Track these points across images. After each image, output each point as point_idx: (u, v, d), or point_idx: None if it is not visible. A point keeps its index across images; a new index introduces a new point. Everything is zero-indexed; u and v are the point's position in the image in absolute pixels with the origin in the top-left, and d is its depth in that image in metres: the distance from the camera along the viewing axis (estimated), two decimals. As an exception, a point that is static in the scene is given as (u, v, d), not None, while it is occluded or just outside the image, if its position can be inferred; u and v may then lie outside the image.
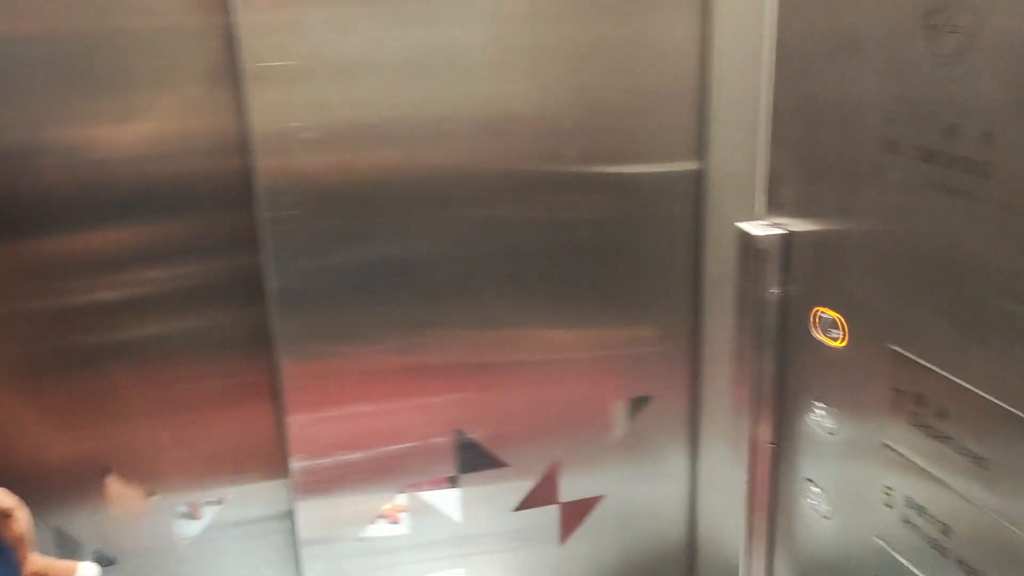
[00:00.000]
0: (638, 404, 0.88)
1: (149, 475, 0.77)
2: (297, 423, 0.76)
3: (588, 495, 0.89)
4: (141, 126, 0.69)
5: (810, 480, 0.69)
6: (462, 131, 0.74)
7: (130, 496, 0.79)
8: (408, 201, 0.74)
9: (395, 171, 0.73)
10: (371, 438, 0.80)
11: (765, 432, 0.73)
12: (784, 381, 0.70)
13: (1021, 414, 0.48)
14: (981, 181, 0.48)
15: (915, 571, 0.58)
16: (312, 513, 0.81)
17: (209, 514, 0.80)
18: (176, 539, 0.80)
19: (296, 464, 0.78)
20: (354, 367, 0.77)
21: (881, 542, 0.61)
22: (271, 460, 0.80)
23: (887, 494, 0.60)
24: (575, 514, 0.89)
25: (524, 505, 0.86)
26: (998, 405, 0.49)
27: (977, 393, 0.50)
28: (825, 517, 0.67)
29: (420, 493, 0.83)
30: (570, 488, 0.88)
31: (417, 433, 0.81)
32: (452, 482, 0.83)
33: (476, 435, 0.82)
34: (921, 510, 0.56)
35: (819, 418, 0.66)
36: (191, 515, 0.80)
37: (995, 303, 0.48)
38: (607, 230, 0.81)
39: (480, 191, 0.76)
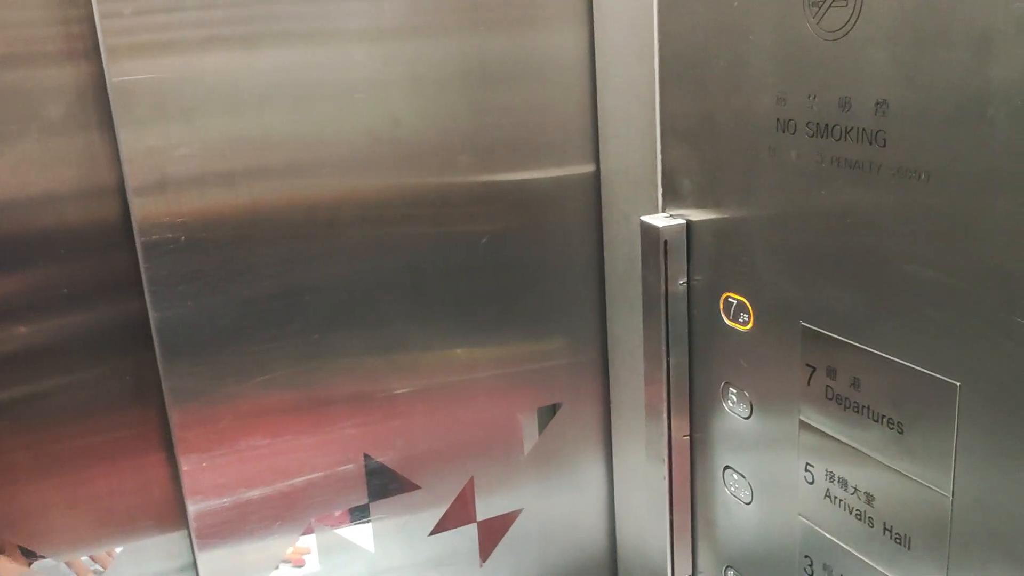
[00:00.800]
0: (549, 414, 0.87)
1: (34, 539, 0.71)
2: (191, 466, 0.71)
3: (505, 511, 0.87)
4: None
5: (729, 467, 0.69)
6: (348, 150, 0.71)
7: (12, 563, 0.72)
8: (295, 226, 0.71)
9: (278, 195, 0.70)
10: (271, 473, 0.75)
11: (681, 425, 0.73)
12: (696, 371, 0.70)
13: (931, 373, 0.48)
14: (877, 150, 0.49)
15: (842, 545, 0.58)
16: (215, 563, 0.75)
17: (106, 573, 0.74)
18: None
19: (193, 508, 0.73)
20: (248, 403, 0.73)
21: (805, 520, 0.61)
22: (168, 510, 0.75)
23: (808, 471, 0.60)
24: (493, 532, 0.87)
25: (440, 528, 0.83)
26: (909, 367, 0.50)
27: (888, 359, 0.51)
28: (747, 503, 0.67)
29: (329, 527, 0.79)
30: (486, 506, 0.86)
31: (321, 463, 0.77)
32: (363, 511, 0.79)
33: (384, 459, 0.79)
34: (843, 483, 0.57)
35: (734, 404, 0.66)
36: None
37: (898, 267, 0.49)
38: (506, 241, 0.80)
39: (371, 209, 0.73)
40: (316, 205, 0.71)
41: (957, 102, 0.44)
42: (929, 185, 0.46)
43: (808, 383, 0.58)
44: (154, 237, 0.66)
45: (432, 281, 0.78)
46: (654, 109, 0.69)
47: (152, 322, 0.68)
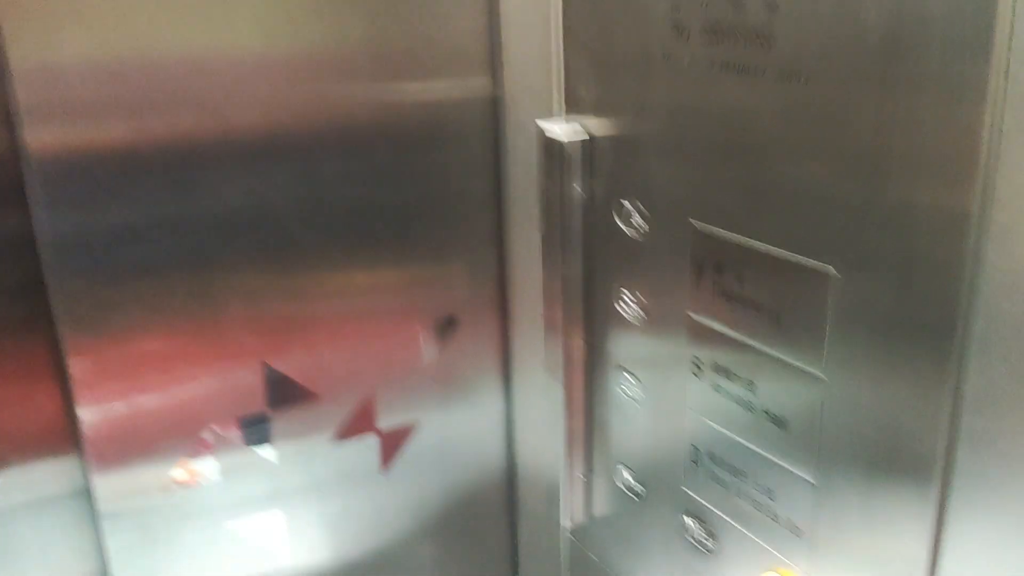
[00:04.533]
0: (446, 327, 0.88)
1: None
2: (81, 372, 0.70)
3: (405, 424, 0.88)
4: None
5: (622, 367, 0.72)
6: (242, 52, 0.69)
7: None
8: (186, 128, 0.69)
9: (168, 96, 0.68)
10: (166, 380, 0.74)
11: (577, 332, 0.75)
12: (592, 277, 0.73)
13: (806, 260, 0.52)
14: (764, 53, 0.52)
15: (726, 432, 0.62)
16: (110, 481, 0.74)
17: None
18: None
19: (85, 416, 0.71)
20: (140, 307, 0.71)
21: (693, 411, 0.64)
22: (59, 429, 0.73)
23: (696, 365, 0.63)
24: (394, 443, 0.88)
25: (341, 435, 0.84)
26: (786, 257, 0.53)
27: (768, 250, 0.54)
28: (638, 402, 0.70)
29: (228, 437, 0.78)
30: (387, 417, 0.87)
31: (218, 371, 0.76)
32: (262, 420, 0.79)
33: (284, 367, 0.79)
34: (728, 372, 0.60)
35: (627, 308, 0.69)
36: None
37: (778, 163, 0.52)
38: (406, 152, 0.80)
39: (266, 113, 0.72)
40: (207, 107, 0.69)
41: (836, 1, 0.46)
42: (808, 87, 0.49)
43: (697, 280, 0.61)
44: (39, 123, 0.64)
45: (329, 189, 0.77)
46: (556, 16, 0.70)
47: (33, 214, 0.65)
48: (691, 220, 0.60)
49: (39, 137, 0.64)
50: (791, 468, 0.57)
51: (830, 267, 0.50)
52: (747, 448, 0.60)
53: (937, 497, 0.49)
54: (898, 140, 0.45)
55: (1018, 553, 0.45)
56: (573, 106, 0.70)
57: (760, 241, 0.55)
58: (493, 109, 0.82)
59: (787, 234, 0.53)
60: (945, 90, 0.43)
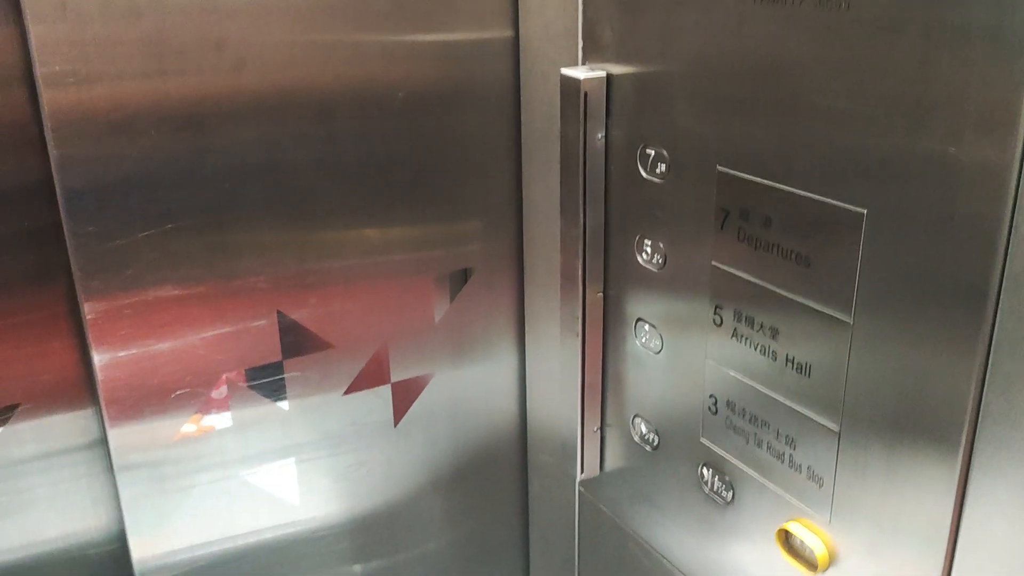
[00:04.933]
0: (461, 279, 0.87)
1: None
2: (96, 315, 0.69)
3: (418, 375, 0.88)
4: None
5: (641, 319, 0.71)
6: (256, 8, 0.68)
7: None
8: (202, 66, 0.67)
9: (184, 32, 0.66)
10: (181, 326, 0.73)
11: (595, 282, 0.74)
12: (612, 228, 0.72)
13: (839, 203, 0.51)
14: (799, -18, 0.50)
15: (746, 381, 0.61)
16: (125, 433, 0.74)
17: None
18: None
19: (100, 360, 0.70)
20: (156, 251, 0.69)
21: (712, 362, 0.64)
22: (77, 382, 0.73)
23: (717, 314, 0.62)
24: (407, 395, 0.88)
25: (354, 388, 0.84)
26: (818, 200, 0.52)
27: (798, 194, 0.53)
28: (656, 352, 0.70)
29: (242, 384, 0.78)
30: (400, 369, 0.86)
31: (232, 318, 0.75)
32: (276, 369, 0.79)
33: (298, 316, 0.78)
34: (751, 321, 0.59)
35: (648, 256, 0.68)
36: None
37: (812, 101, 0.51)
38: (423, 101, 0.78)
39: (281, 54, 0.70)
40: (224, 45, 0.68)
41: (879, -70, 0.45)
42: (848, 13, 0.47)
43: (721, 227, 0.60)
44: (55, 68, 0.62)
45: (345, 137, 0.76)
46: (576, -40, 0.68)
47: (52, 162, 0.64)
48: (717, 165, 0.59)
49: (55, 83, 0.63)
50: (814, 416, 0.56)
51: (864, 211, 0.49)
52: (768, 397, 0.59)
53: (965, 445, 0.48)
54: (941, 86, 0.44)
55: (1049, 499, 0.45)
56: (594, 51, 0.69)
57: (790, 187, 0.53)
58: (512, 57, 0.81)
59: (820, 178, 0.52)
60: (992, 40, 0.41)
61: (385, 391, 0.86)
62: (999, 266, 0.43)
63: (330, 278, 0.79)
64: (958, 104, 0.43)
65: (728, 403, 0.63)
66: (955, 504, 0.49)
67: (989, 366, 0.46)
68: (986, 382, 0.46)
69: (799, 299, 0.55)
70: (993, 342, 0.45)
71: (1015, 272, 0.43)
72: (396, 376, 0.86)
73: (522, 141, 0.84)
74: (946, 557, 0.50)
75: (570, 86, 0.68)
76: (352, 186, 0.78)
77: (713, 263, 0.61)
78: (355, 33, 0.73)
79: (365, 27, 0.73)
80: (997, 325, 0.44)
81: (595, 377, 0.78)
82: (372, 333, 0.83)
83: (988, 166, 0.43)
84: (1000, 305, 0.44)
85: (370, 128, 0.77)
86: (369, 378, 0.84)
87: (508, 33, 0.79)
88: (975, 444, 0.48)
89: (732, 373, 0.62)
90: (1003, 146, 0.42)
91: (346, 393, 0.83)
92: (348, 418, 0.85)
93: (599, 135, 0.69)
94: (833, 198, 0.51)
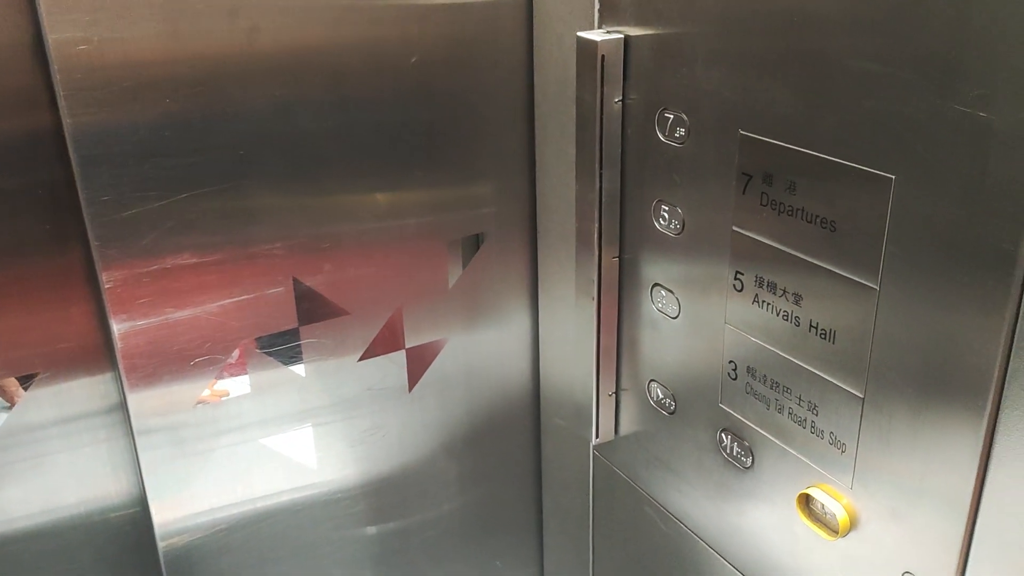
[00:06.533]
0: (473, 243, 0.87)
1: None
2: (114, 283, 0.69)
3: (432, 339, 0.88)
4: None
5: (658, 284, 0.70)
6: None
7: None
8: (214, 32, 0.66)
9: (200, 21, 0.65)
10: (198, 293, 0.73)
11: (611, 247, 0.74)
12: (628, 192, 0.71)
13: (867, 168, 0.50)
14: (826, -56, 0.49)
15: (767, 346, 0.61)
16: (144, 398, 0.74)
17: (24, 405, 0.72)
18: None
19: (119, 327, 0.70)
20: (172, 219, 0.69)
21: (732, 327, 0.64)
22: (97, 347, 0.72)
23: (738, 279, 0.62)
24: (421, 360, 0.88)
25: (369, 353, 0.84)
26: (845, 164, 0.51)
27: (825, 159, 0.53)
28: (673, 317, 0.69)
29: (259, 351, 0.78)
30: (414, 334, 0.86)
31: (249, 285, 0.75)
32: (293, 335, 0.79)
33: (313, 283, 0.78)
34: (772, 286, 0.59)
35: (666, 221, 0.68)
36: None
37: (839, 63, 0.50)
38: (436, 67, 0.77)
39: (293, 16, 0.69)
40: (238, 10, 0.67)
41: None
42: (880, -28, 0.46)
43: (744, 192, 0.59)
44: (66, 35, 0.61)
45: (358, 102, 0.75)
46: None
47: (66, 130, 0.64)
48: (740, 129, 0.58)
49: (65, 44, 0.62)
50: (837, 382, 0.56)
51: (893, 177, 0.48)
52: (791, 362, 0.59)
53: (990, 413, 0.48)
54: (973, 47, 0.43)
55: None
56: (611, 13, 0.68)
57: (816, 151, 0.53)
58: (526, 19, 0.79)
59: (846, 141, 0.51)
60: (1026, -10, 0.40)
61: (399, 356, 0.86)
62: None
63: (345, 244, 0.79)
64: (990, 65, 0.43)
65: (748, 369, 0.63)
66: (979, 469, 0.49)
67: (1017, 331, 0.45)
68: (1013, 348, 0.46)
69: (824, 264, 0.55)
70: (1022, 307, 0.45)
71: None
72: (410, 342, 0.86)
73: (535, 105, 0.83)
74: (968, 522, 0.50)
75: (587, 49, 0.67)
76: (365, 151, 0.77)
77: (734, 228, 0.61)
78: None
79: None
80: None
81: (610, 341, 0.78)
82: (386, 299, 0.83)
83: (1020, 129, 0.42)
84: (1029, 270, 0.44)
85: (383, 92, 0.76)
86: (384, 344, 0.84)
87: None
88: (1000, 409, 0.48)
89: (753, 338, 0.62)
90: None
91: (361, 359, 0.83)
92: (363, 383, 0.85)
93: (616, 99, 0.68)
94: (861, 163, 0.50)
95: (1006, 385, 0.47)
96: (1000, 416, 0.48)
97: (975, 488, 0.50)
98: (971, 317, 0.47)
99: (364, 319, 0.82)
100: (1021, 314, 0.45)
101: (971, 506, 0.50)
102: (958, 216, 0.46)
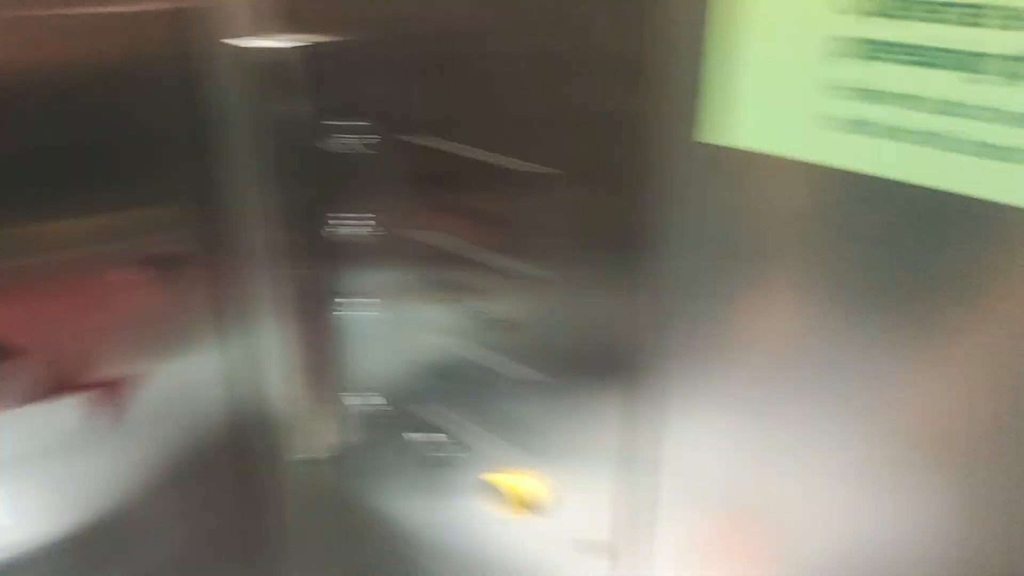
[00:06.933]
0: (169, 267, 0.82)
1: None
2: None
3: (124, 374, 0.82)
4: None
5: (351, 292, 0.71)
6: None
7: None
8: None
9: None
10: None
11: (296, 259, 0.73)
12: (309, 202, 0.70)
13: (528, 167, 0.53)
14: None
15: (459, 343, 0.63)
16: None
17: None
18: None
19: None
20: None
21: (424, 328, 0.65)
22: None
23: (423, 282, 0.63)
24: (118, 395, 0.82)
25: (55, 393, 0.77)
26: (511, 167, 0.54)
27: (494, 160, 0.55)
28: (368, 324, 0.70)
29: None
30: (103, 370, 0.80)
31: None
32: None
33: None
34: (455, 285, 0.61)
35: (349, 229, 0.68)
36: None
37: (489, 73, 0.53)
38: (101, 83, 0.72)
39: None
40: None
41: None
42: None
43: (419, 196, 0.61)
44: None
45: (23, 123, 0.68)
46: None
47: None
48: (414, 136, 0.59)
49: None
50: (527, 370, 0.59)
51: (552, 170, 0.52)
52: (483, 355, 0.61)
53: (655, 382, 0.52)
54: (568, 41, 0.47)
55: (728, 420, 0.50)
56: (288, 19, 0.66)
57: (484, 150, 0.55)
58: (194, 30, 0.75)
59: (508, 142, 0.54)
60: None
61: (91, 395, 0.79)
62: (656, 211, 0.47)
63: (20, 278, 0.72)
64: (595, 57, 0.46)
65: (445, 366, 0.65)
66: (656, 433, 0.54)
67: (662, 303, 0.50)
68: (662, 318, 0.50)
69: (501, 260, 0.57)
70: (662, 282, 0.49)
71: (672, 215, 0.47)
72: (101, 378, 0.80)
73: (212, 119, 0.79)
74: (652, 486, 0.55)
75: (257, 58, 0.66)
76: (40, 176, 0.70)
77: (415, 232, 0.62)
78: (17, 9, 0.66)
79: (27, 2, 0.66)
80: (663, 266, 0.48)
81: (308, 355, 0.77)
82: (70, 334, 0.77)
83: (624, 116, 0.46)
84: (664, 246, 0.48)
85: (48, 112, 0.70)
86: (71, 382, 0.78)
87: (186, 3, 0.74)
88: (665, 377, 0.52)
89: (444, 338, 0.64)
90: (632, 96, 0.45)
91: (49, 401, 0.76)
92: (53, 427, 0.78)
93: (290, 109, 0.67)
94: (525, 160, 0.53)
95: (662, 355, 0.51)
96: (667, 386, 0.52)
97: (653, 452, 0.54)
98: (623, 297, 0.51)
99: (47, 358, 0.75)
100: (664, 288, 0.49)
101: (653, 471, 0.54)
102: (608, 204, 0.50)
